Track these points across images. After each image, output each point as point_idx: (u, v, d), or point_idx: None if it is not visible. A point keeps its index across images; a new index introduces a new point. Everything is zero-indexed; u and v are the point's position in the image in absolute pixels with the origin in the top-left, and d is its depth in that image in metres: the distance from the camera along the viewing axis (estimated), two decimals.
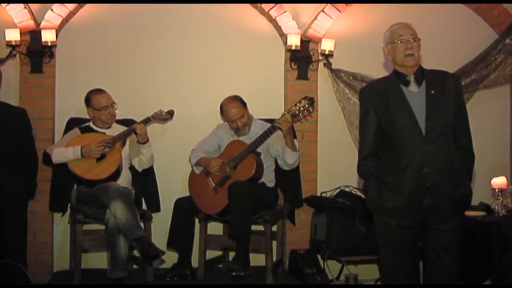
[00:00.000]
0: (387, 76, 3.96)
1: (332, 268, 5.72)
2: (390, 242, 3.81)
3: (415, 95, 3.73)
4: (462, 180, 3.73)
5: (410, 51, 3.73)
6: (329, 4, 5.97)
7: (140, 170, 5.44)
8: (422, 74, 3.77)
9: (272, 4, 5.90)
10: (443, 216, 3.68)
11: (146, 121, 5.29)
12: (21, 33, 5.51)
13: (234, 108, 5.42)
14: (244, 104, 5.47)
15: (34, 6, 5.59)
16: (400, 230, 3.74)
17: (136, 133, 5.20)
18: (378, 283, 5.71)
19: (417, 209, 3.68)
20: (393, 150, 3.75)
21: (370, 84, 4.07)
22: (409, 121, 3.68)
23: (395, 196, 3.70)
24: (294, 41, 5.90)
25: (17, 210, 5.17)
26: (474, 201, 5.40)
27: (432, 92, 3.70)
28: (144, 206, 5.62)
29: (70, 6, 5.62)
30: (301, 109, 5.10)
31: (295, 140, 5.30)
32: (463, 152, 3.77)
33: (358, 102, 5.95)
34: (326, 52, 5.98)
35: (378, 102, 3.80)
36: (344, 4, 6.00)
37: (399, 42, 3.76)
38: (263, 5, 5.91)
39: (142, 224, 5.07)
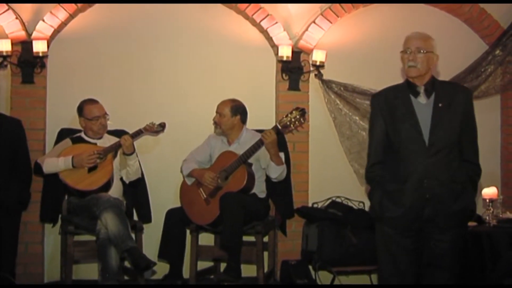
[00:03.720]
0: (399, 84, 3.98)
1: (323, 278, 5.71)
2: (388, 249, 3.84)
3: (423, 106, 3.76)
4: (463, 193, 3.74)
5: (411, 63, 3.75)
6: (320, 15, 6.00)
7: (127, 182, 5.42)
8: (432, 86, 3.79)
9: (264, 15, 5.92)
10: (442, 227, 3.70)
11: (138, 133, 5.28)
12: (12, 44, 5.51)
13: (221, 104, 5.51)
14: (234, 110, 5.48)
15: (25, 17, 5.60)
16: (399, 238, 3.77)
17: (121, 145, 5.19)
18: None
19: (416, 219, 3.72)
20: (397, 159, 3.79)
21: (382, 91, 4.07)
22: (414, 132, 3.71)
23: (395, 206, 3.74)
24: (286, 52, 5.92)
25: (10, 220, 5.17)
26: None
27: (440, 105, 3.73)
28: (135, 217, 5.60)
29: (62, 17, 5.63)
30: (293, 120, 5.10)
31: (281, 154, 5.29)
32: (468, 165, 3.79)
33: (349, 113, 6.05)
34: (317, 63, 6.00)
35: (386, 110, 3.84)
36: (335, 15, 6.03)
37: (405, 53, 3.80)
38: (255, 16, 5.93)
39: (133, 235, 5.05)
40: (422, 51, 3.76)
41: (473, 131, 3.85)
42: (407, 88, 3.83)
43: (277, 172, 5.28)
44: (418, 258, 3.83)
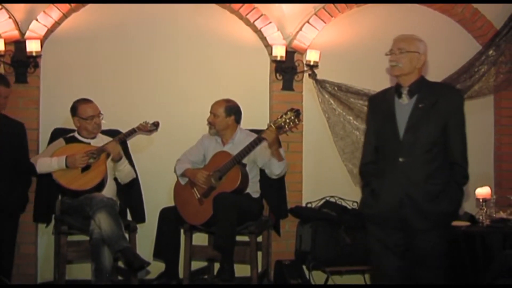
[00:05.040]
0: (392, 86, 4.06)
1: (317, 278, 5.73)
2: (375, 248, 3.95)
3: (404, 107, 3.84)
4: (442, 195, 3.76)
5: (392, 62, 3.86)
6: (314, 15, 6.00)
7: (122, 183, 5.41)
8: (418, 87, 3.84)
9: (257, 15, 5.92)
10: (417, 228, 3.75)
11: (131, 132, 5.28)
12: (5, 43, 5.49)
13: (215, 104, 5.49)
14: (228, 110, 5.45)
15: (18, 16, 5.58)
16: (384, 236, 3.87)
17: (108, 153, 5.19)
18: None
19: (393, 217, 3.80)
20: (380, 158, 3.92)
21: (377, 92, 4.22)
22: (391, 132, 3.81)
23: (375, 203, 3.87)
24: (279, 52, 5.92)
25: (9, 223, 5.18)
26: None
27: (420, 105, 3.79)
28: (129, 217, 5.59)
29: (55, 16, 5.62)
30: (287, 121, 5.10)
31: (280, 150, 5.31)
32: (454, 166, 3.81)
33: (343, 113, 6.07)
34: (311, 63, 6.00)
35: (376, 111, 4.01)
36: (329, 15, 6.04)
37: (389, 54, 3.89)
38: (248, 16, 5.93)
39: (127, 235, 5.04)
40: (403, 51, 3.84)
41: (460, 132, 3.85)
42: (395, 89, 3.93)
43: (280, 168, 5.29)
44: (406, 256, 3.87)
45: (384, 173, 3.85)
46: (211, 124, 5.51)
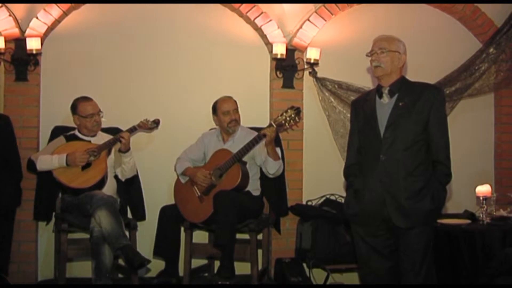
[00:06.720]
0: (373, 88, 4.10)
1: (317, 276, 5.72)
2: (360, 247, 3.99)
3: (384, 106, 3.88)
4: (422, 192, 3.77)
5: (374, 63, 3.90)
6: (314, 13, 6.00)
7: (123, 180, 5.40)
8: (398, 86, 3.87)
9: (258, 13, 5.92)
10: (398, 227, 3.77)
11: (132, 130, 5.28)
12: (5, 41, 5.50)
13: (230, 102, 5.49)
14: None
15: (19, 14, 5.57)
16: (368, 236, 3.91)
17: (120, 141, 5.17)
18: None
19: (376, 217, 3.82)
20: (363, 158, 3.96)
21: (360, 96, 4.29)
22: (373, 132, 3.85)
23: (357, 203, 3.89)
24: (280, 49, 5.92)
25: (5, 219, 5.16)
26: (459, 209, 5.46)
27: (400, 104, 3.82)
28: (129, 215, 5.59)
29: (56, 14, 5.61)
30: (288, 118, 5.09)
31: (277, 149, 5.31)
32: (436, 165, 3.82)
33: (343, 111, 6.08)
34: (312, 61, 6.00)
35: (358, 112, 4.03)
36: (329, 13, 6.03)
37: (370, 55, 3.94)
38: (249, 13, 5.92)
39: (127, 233, 5.05)
40: (384, 50, 3.86)
41: (442, 130, 3.86)
42: (376, 90, 3.97)
43: (275, 167, 5.29)
44: (393, 256, 3.89)
45: (366, 172, 3.88)
46: (237, 121, 5.50)
